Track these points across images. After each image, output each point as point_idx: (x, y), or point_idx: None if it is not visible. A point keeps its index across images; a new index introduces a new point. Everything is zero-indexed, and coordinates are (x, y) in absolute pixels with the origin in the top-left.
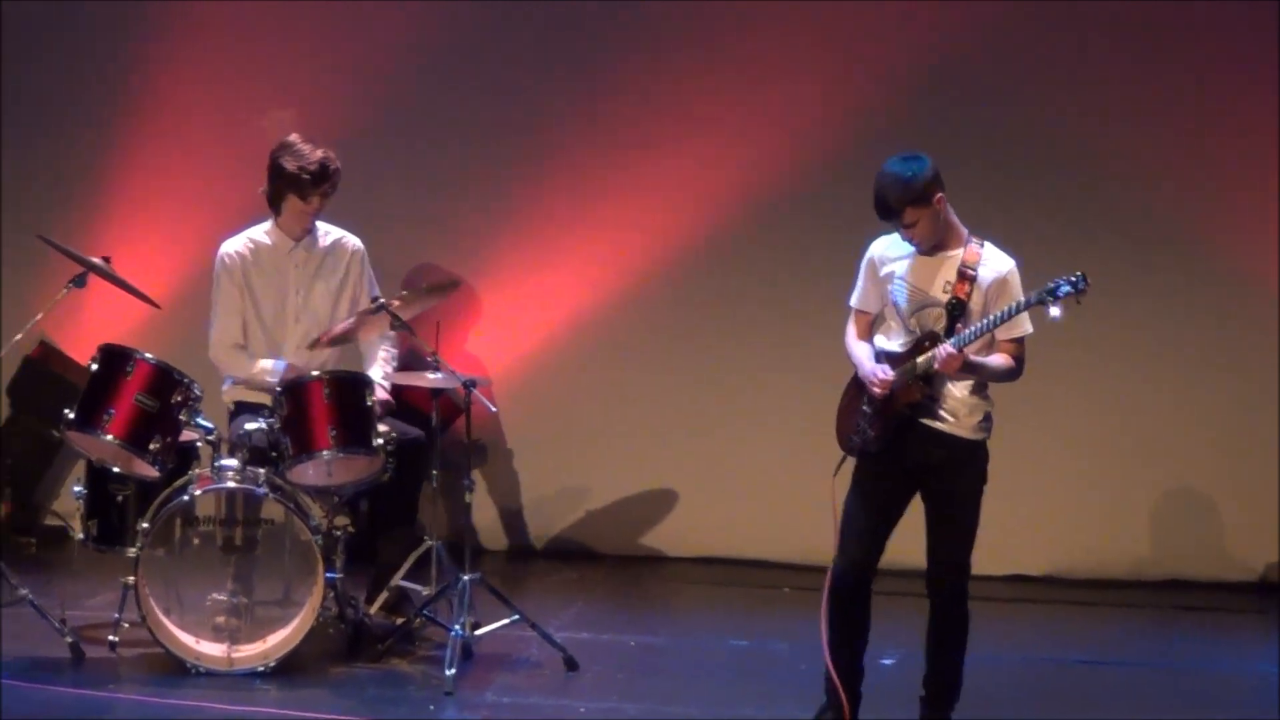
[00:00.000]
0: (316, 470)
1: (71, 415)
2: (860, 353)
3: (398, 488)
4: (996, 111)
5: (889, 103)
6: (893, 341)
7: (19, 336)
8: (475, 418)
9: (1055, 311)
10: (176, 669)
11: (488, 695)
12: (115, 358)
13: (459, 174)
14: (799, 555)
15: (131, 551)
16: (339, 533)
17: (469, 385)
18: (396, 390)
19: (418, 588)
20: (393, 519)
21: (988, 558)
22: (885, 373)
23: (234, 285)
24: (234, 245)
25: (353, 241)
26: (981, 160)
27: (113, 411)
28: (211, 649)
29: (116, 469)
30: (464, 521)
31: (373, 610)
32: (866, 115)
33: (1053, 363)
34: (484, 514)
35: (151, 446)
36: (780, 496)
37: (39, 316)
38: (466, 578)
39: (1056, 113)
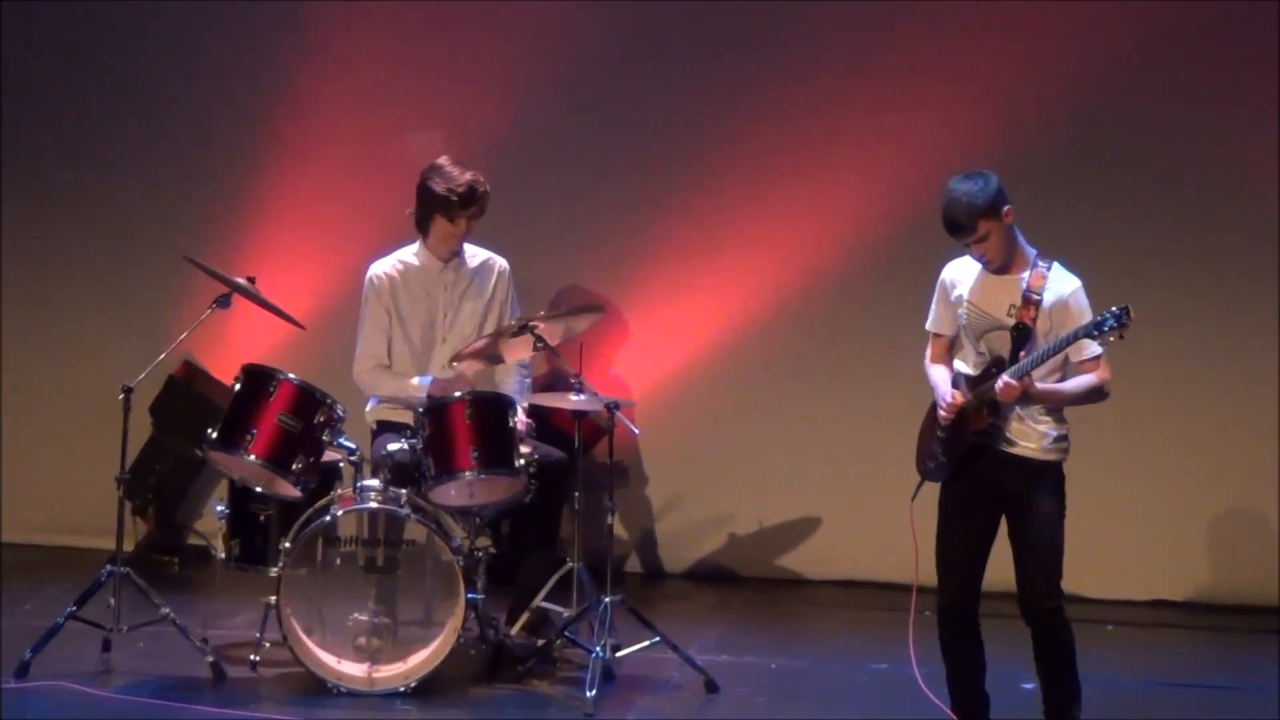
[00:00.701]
0: (459, 491)
1: (214, 435)
2: (935, 376)
3: (540, 509)
4: (1119, 146)
5: (1020, 135)
6: (968, 365)
7: (163, 356)
8: (618, 440)
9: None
10: (317, 689)
11: (628, 717)
12: (258, 378)
13: (604, 198)
14: None
15: (273, 571)
16: (480, 553)
17: (612, 407)
18: (540, 412)
19: (559, 609)
20: (534, 540)
21: (1130, 582)
22: (953, 397)
23: (381, 306)
24: (383, 266)
25: (499, 262)
26: (1091, 192)
27: (255, 431)
28: (352, 669)
29: (259, 488)
30: (605, 543)
31: (513, 631)
32: (1006, 148)
33: (1192, 384)
34: (625, 536)
35: (294, 466)
36: (921, 520)
37: (183, 336)
38: (607, 599)
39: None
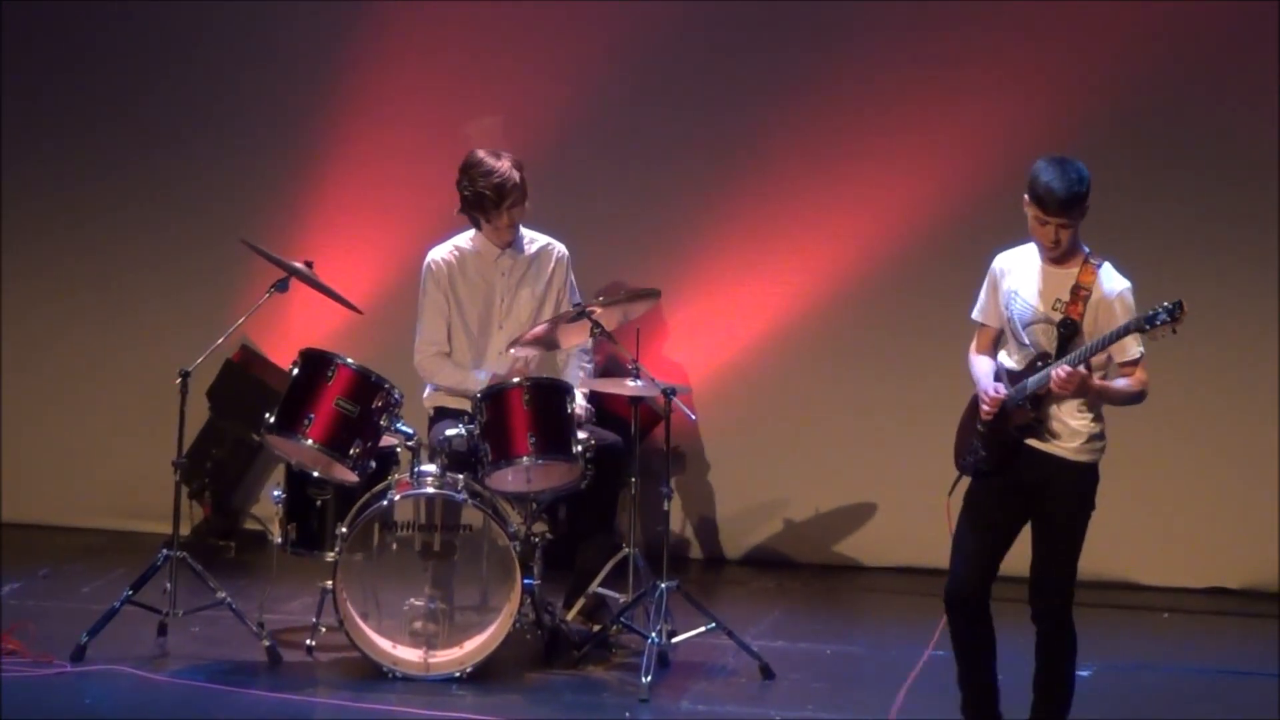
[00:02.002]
0: (516, 476)
1: (272, 419)
2: (979, 369)
3: (596, 494)
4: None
5: (1081, 120)
6: (1012, 359)
7: (220, 340)
8: (675, 425)
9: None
10: (373, 674)
11: (683, 703)
12: (316, 362)
13: (662, 185)
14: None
15: (330, 556)
16: (537, 539)
17: (669, 393)
18: (597, 398)
19: (615, 595)
20: (591, 526)
21: (1186, 569)
22: (996, 391)
23: (440, 292)
24: (440, 253)
25: (558, 247)
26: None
27: (313, 416)
28: (408, 654)
29: (316, 473)
30: (662, 529)
31: (570, 616)
32: (1063, 133)
33: (1253, 371)
34: (682, 521)
35: (351, 451)
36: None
37: (241, 320)
38: (664, 585)
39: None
